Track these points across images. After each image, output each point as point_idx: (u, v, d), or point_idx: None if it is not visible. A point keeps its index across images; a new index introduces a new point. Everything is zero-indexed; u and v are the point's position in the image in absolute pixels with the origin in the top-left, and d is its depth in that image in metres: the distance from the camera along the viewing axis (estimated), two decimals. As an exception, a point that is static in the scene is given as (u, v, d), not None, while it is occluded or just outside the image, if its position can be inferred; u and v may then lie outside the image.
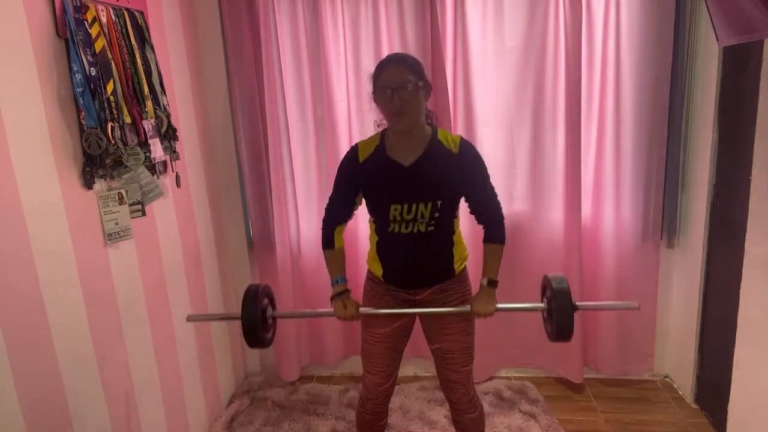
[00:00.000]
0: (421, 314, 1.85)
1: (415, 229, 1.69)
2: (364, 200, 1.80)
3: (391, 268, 1.81)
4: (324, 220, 1.86)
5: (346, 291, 1.81)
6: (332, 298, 1.82)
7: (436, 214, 1.67)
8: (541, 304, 1.76)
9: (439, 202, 1.66)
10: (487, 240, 1.78)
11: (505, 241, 1.77)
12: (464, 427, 1.92)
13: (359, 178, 1.74)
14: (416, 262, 1.77)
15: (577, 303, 1.66)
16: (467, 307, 1.74)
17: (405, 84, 1.56)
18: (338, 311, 1.77)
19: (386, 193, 1.69)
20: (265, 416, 2.59)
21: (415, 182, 1.66)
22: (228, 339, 2.77)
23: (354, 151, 1.76)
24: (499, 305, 1.73)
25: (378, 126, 1.80)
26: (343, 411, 2.61)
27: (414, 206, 1.65)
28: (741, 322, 2.06)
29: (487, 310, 1.71)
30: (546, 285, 1.75)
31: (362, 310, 1.79)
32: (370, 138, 1.77)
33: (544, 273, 2.70)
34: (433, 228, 1.70)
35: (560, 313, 1.64)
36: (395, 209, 1.67)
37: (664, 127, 2.53)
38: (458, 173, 1.68)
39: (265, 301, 1.79)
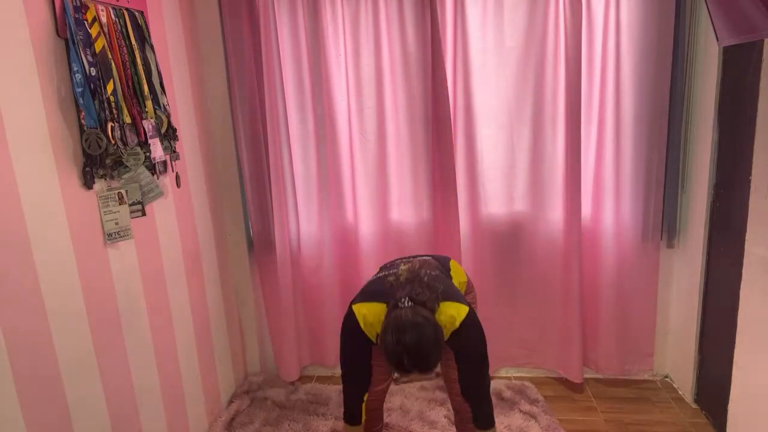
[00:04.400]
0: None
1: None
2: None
3: None
4: (346, 391, 1.80)
5: None
6: None
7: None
8: None
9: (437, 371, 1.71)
10: (479, 427, 1.74)
11: (494, 424, 1.75)
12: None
13: (368, 347, 1.74)
14: None
15: None
16: None
17: (429, 378, 1.65)
18: None
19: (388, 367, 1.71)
20: (265, 416, 2.58)
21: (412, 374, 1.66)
22: (228, 339, 2.77)
23: (357, 326, 1.71)
24: None
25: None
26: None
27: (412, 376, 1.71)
28: (741, 322, 2.06)
29: None
30: None
31: None
32: (372, 315, 1.69)
33: (543, 273, 2.74)
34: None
35: None
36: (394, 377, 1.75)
37: (664, 127, 2.53)
38: (449, 355, 1.72)
39: None
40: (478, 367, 1.71)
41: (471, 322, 1.67)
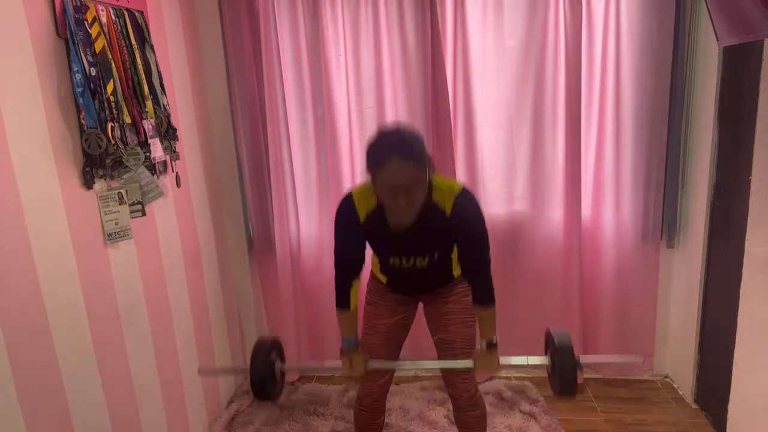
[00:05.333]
0: (424, 307, 1.93)
1: (417, 265, 1.75)
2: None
3: (395, 283, 1.88)
4: (336, 278, 1.78)
5: (356, 347, 1.78)
6: (341, 352, 1.79)
7: (435, 258, 1.73)
8: (545, 359, 1.76)
9: (435, 254, 1.73)
10: (477, 302, 1.75)
11: (494, 301, 1.73)
12: (465, 425, 1.94)
13: (359, 232, 1.72)
14: (418, 283, 1.85)
15: (581, 358, 1.65)
16: (469, 362, 1.75)
17: (412, 184, 1.45)
18: (345, 368, 1.75)
19: (384, 248, 1.77)
20: (265, 416, 2.59)
21: (411, 243, 1.70)
22: (228, 339, 2.77)
23: (350, 205, 1.68)
24: (502, 360, 1.73)
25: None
26: (343, 411, 2.61)
27: (412, 258, 1.73)
28: (741, 322, 2.06)
29: (490, 367, 1.72)
30: (549, 340, 1.74)
31: (371, 364, 1.78)
32: (366, 190, 1.64)
33: (544, 273, 2.75)
34: (432, 266, 1.76)
35: (564, 371, 1.63)
36: (394, 259, 1.75)
37: (664, 127, 2.53)
38: (450, 232, 1.67)
39: (274, 355, 1.79)
40: (478, 244, 1.68)
41: (469, 194, 1.65)
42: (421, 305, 1.95)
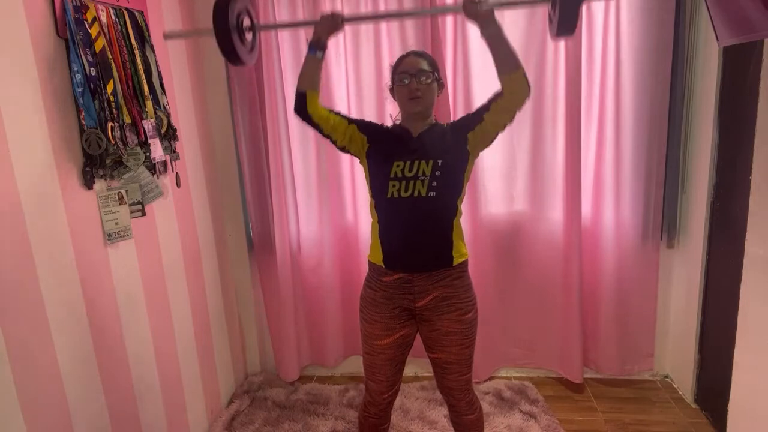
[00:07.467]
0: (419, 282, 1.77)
1: (416, 192, 1.69)
2: (366, 170, 1.84)
3: (392, 245, 1.77)
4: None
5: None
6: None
7: (437, 173, 1.69)
8: None
9: (440, 162, 1.70)
10: (501, 72, 1.70)
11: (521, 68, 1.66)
12: (463, 428, 1.92)
13: (370, 127, 1.86)
14: (415, 233, 1.73)
15: None
16: (459, 6, 1.63)
17: (422, 72, 1.72)
18: (323, 19, 1.77)
19: (392, 151, 1.76)
20: (265, 416, 2.59)
21: (419, 144, 1.75)
22: (228, 339, 2.77)
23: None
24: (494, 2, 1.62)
25: (394, 120, 1.88)
26: (343, 411, 2.61)
27: (416, 163, 1.71)
28: (741, 322, 2.06)
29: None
30: None
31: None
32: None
33: (544, 273, 2.75)
34: (434, 194, 1.69)
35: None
36: (398, 165, 1.72)
37: (664, 127, 2.53)
38: (458, 130, 1.78)
39: (242, 12, 1.78)
40: None
41: None
42: (417, 325, 1.83)
